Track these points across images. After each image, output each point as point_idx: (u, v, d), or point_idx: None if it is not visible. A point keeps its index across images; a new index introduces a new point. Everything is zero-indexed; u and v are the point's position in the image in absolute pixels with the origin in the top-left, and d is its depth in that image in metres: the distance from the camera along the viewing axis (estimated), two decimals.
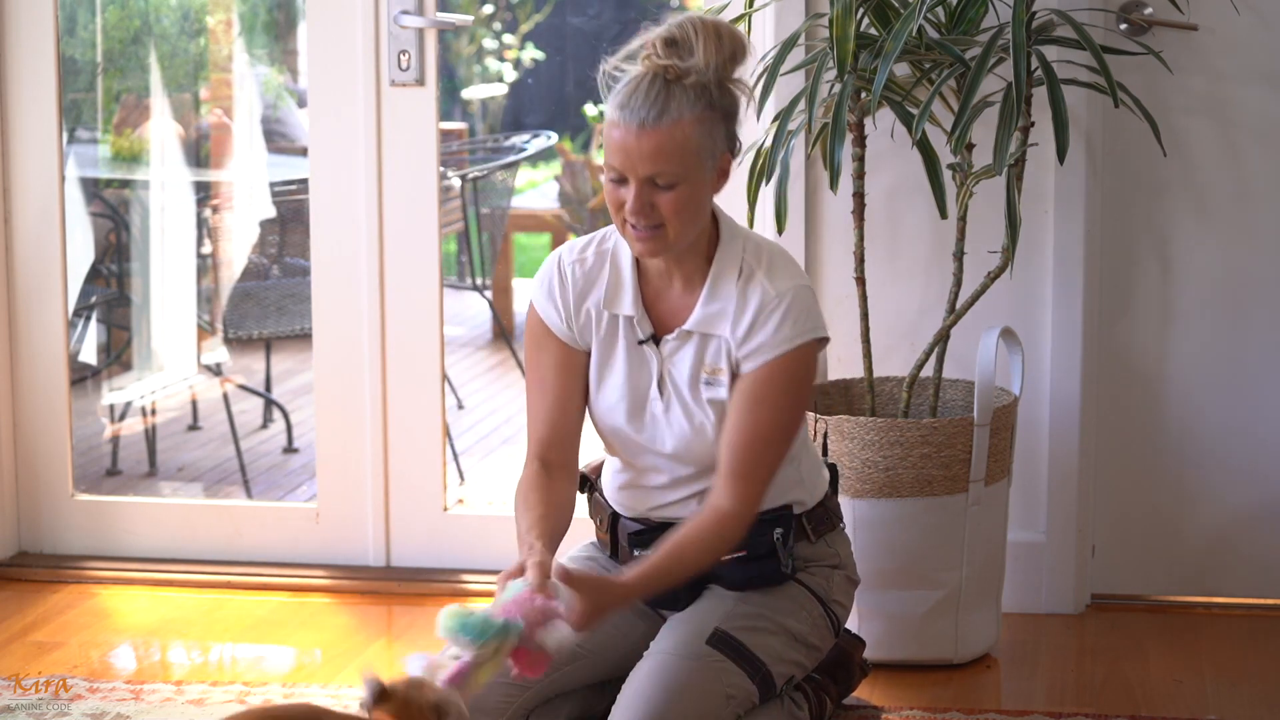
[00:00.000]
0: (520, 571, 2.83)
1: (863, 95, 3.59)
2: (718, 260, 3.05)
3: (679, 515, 3.11)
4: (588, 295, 3.10)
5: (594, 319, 3.11)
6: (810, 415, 3.64)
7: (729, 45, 2.93)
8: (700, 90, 2.92)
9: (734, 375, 3.06)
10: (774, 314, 3.01)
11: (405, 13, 4.13)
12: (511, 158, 6.68)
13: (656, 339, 3.09)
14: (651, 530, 3.13)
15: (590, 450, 3.32)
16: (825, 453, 3.61)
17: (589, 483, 3.29)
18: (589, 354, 3.14)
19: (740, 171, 3.78)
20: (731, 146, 3.00)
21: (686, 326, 3.06)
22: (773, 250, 3.10)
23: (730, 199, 3.86)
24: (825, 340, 3.09)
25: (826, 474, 3.29)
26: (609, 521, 3.23)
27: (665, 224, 2.95)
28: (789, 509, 3.15)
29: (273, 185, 5.54)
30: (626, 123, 2.90)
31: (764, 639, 3.08)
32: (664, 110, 2.89)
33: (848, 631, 3.42)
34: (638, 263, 3.09)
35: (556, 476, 3.11)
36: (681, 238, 2.98)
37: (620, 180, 2.94)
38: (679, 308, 3.09)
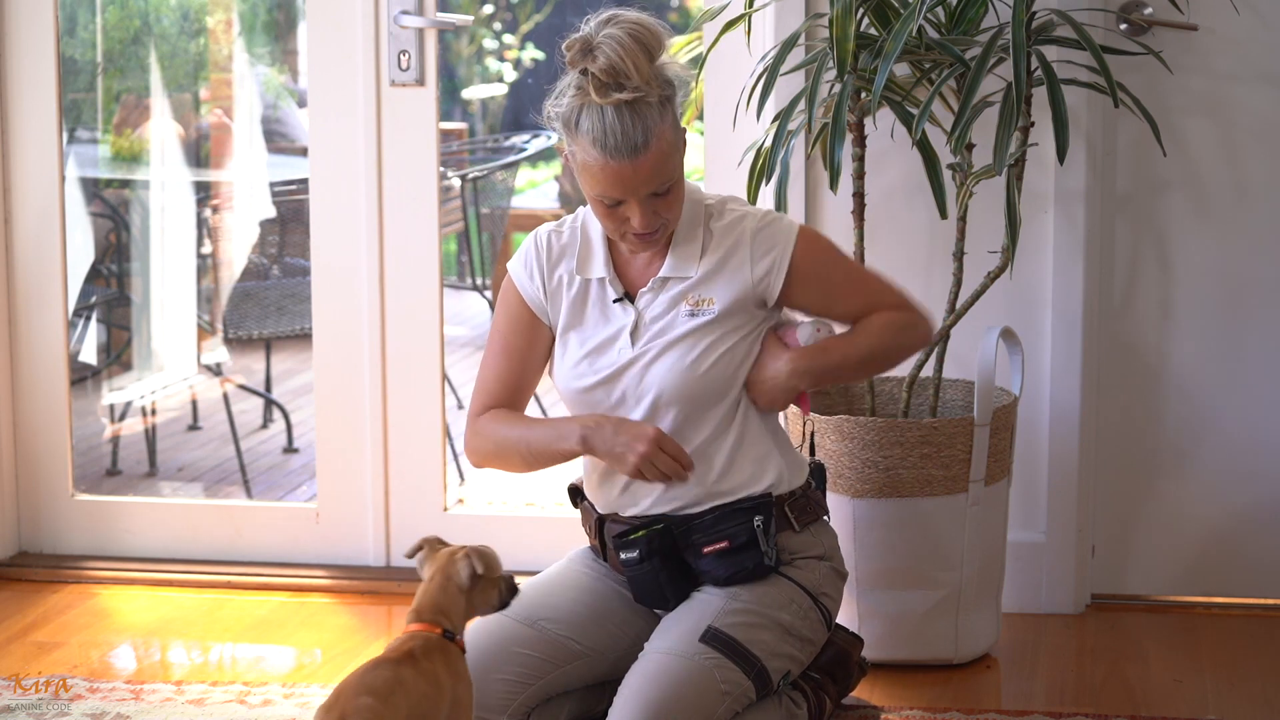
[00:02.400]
0: None
1: (863, 95, 3.59)
2: (682, 217, 3.17)
3: (654, 503, 3.16)
4: (560, 263, 3.21)
5: (565, 284, 3.21)
6: (795, 412, 3.64)
7: (652, 47, 3.03)
8: (658, 100, 3.03)
9: (765, 306, 3.17)
10: (753, 242, 3.15)
11: (405, 13, 4.13)
12: (511, 158, 6.69)
13: (631, 297, 3.18)
14: (634, 530, 3.14)
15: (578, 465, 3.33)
16: (813, 452, 3.61)
17: (581, 494, 3.31)
18: (553, 332, 3.23)
19: (740, 172, 3.78)
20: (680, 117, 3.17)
21: (661, 274, 3.16)
22: (724, 195, 3.25)
23: None
24: (804, 226, 3.23)
25: (804, 461, 3.30)
26: (596, 526, 3.25)
27: (667, 222, 3.10)
28: (768, 495, 3.16)
29: (273, 185, 5.54)
30: (618, 160, 3.01)
31: (757, 634, 3.09)
32: (646, 133, 3.01)
33: (846, 630, 3.42)
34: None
35: None
36: (675, 223, 3.14)
37: (616, 203, 3.06)
38: (647, 267, 3.19)
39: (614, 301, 3.17)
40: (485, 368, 3.27)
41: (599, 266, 3.18)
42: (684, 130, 3.13)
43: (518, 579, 3.00)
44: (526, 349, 3.23)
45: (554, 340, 3.22)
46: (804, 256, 3.16)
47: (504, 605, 2.94)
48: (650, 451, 3.05)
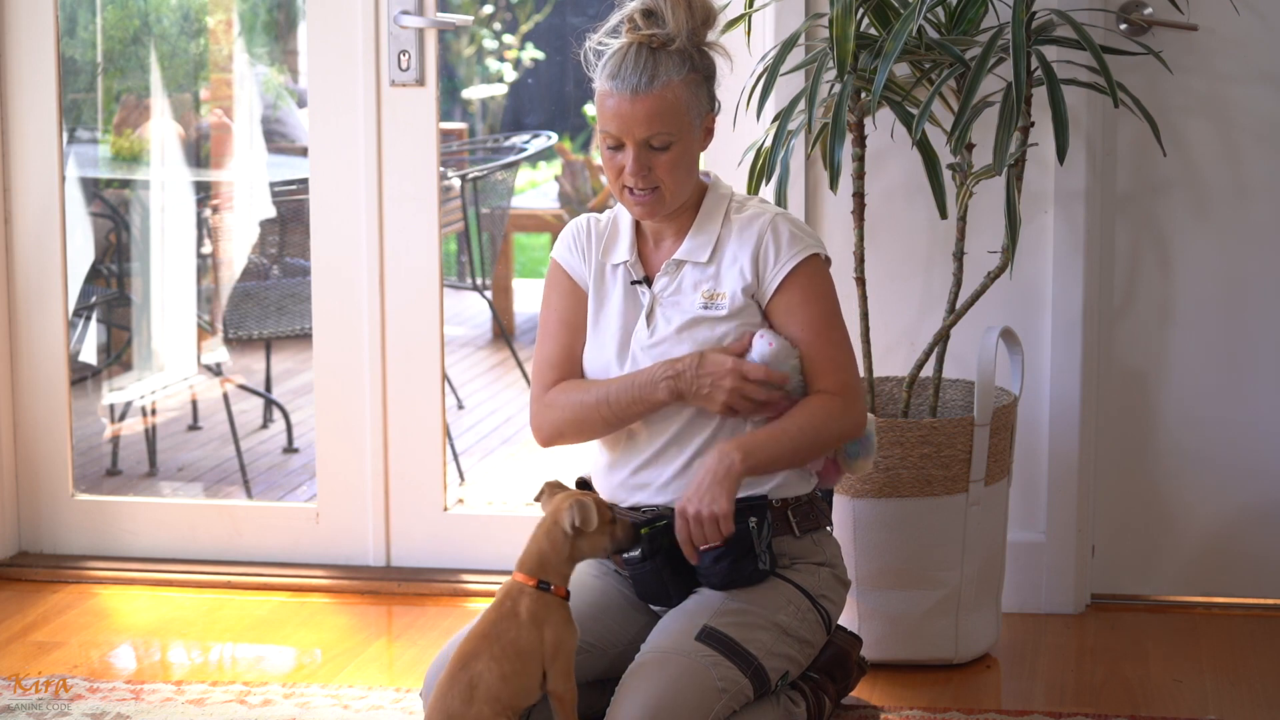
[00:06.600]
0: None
1: (863, 95, 3.59)
2: (705, 204, 3.23)
3: (658, 490, 3.18)
4: (597, 246, 3.28)
5: (600, 267, 3.28)
6: None
7: (700, 11, 3.14)
8: (683, 55, 3.12)
9: (757, 304, 3.19)
10: (766, 244, 3.18)
11: (405, 13, 4.13)
12: (511, 158, 6.69)
13: (649, 280, 3.23)
14: (638, 527, 3.14)
15: (585, 459, 3.33)
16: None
17: (587, 487, 3.31)
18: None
19: (740, 171, 3.78)
20: (713, 106, 3.20)
21: (676, 257, 3.21)
22: (754, 198, 3.29)
23: None
24: (827, 259, 3.22)
25: (811, 473, 3.29)
26: None
27: (661, 185, 3.13)
28: (764, 498, 3.16)
29: (273, 185, 5.54)
30: (620, 91, 3.10)
31: (754, 633, 3.10)
32: (654, 76, 3.10)
33: (845, 630, 3.43)
34: (637, 220, 3.27)
35: None
36: (676, 197, 3.17)
37: (617, 146, 3.13)
38: (669, 254, 3.24)
39: (633, 283, 3.23)
40: (544, 345, 3.31)
41: (624, 251, 3.25)
42: (710, 112, 3.17)
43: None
44: (581, 322, 3.29)
45: None
46: (801, 277, 3.17)
47: (621, 550, 3.08)
48: (737, 385, 3.11)
